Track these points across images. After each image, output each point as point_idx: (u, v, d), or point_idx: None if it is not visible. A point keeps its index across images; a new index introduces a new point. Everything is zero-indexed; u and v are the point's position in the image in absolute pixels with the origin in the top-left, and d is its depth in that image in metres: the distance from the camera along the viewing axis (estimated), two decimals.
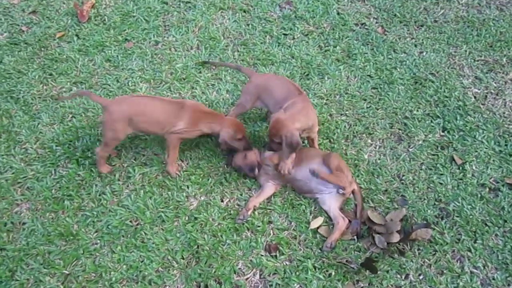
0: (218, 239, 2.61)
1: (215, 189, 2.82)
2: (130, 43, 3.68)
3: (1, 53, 3.57)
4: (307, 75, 3.46)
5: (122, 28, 3.78)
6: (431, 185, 2.84)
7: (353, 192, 2.70)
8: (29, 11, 3.94)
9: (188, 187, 2.82)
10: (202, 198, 2.78)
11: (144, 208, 2.71)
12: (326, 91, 3.35)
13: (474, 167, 2.91)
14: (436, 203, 2.76)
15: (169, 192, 2.79)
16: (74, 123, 3.13)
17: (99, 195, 2.78)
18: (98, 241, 2.60)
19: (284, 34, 3.76)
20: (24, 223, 2.67)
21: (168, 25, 3.84)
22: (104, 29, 3.78)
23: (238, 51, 3.63)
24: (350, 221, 2.64)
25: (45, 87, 3.37)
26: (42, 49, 3.63)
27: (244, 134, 2.78)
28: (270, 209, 2.73)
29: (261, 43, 3.68)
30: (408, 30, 3.78)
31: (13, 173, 2.86)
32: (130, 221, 2.68)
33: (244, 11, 3.94)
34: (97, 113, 3.18)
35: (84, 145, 3.00)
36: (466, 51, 3.61)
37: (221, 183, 2.84)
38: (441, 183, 2.84)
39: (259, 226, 2.65)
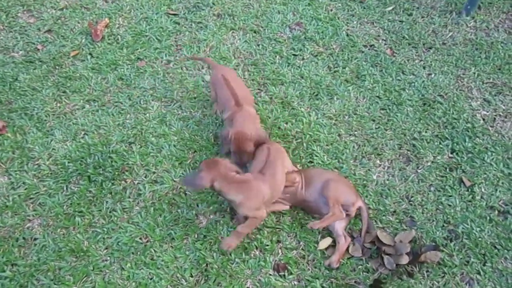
0: (227, 257, 2.62)
1: (224, 207, 2.84)
2: (143, 62, 3.75)
3: (17, 70, 3.65)
4: (316, 95, 3.50)
5: (135, 47, 3.86)
6: (440, 206, 2.84)
7: (360, 209, 2.71)
8: (45, 30, 4.03)
9: (198, 205, 2.85)
10: (212, 217, 2.81)
11: (154, 225, 2.74)
12: (335, 111, 3.39)
13: (483, 189, 2.92)
14: (445, 225, 2.76)
15: (179, 210, 2.82)
16: (86, 140, 3.18)
17: (110, 212, 2.81)
18: (108, 258, 2.62)
19: (293, 54, 3.81)
20: (35, 239, 2.70)
21: (180, 44, 3.91)
22: (117, 48, 3.86)
23: (248, 70, 3.69)
24: (353, 239, 2.65)
25: (58, 104, 3.44)
26: (57, 67, 3.70)
27: None
28: (278, 228, 2.75)
29: (271, 63, 3.74)
30: (416, 52, 3.83)
31: (25, 189, 2.91)
32: (140, 238, 2.70)
33: (255, 32, 4.01)
34: (108, 131, 3.24)
35: (96, 162, 3.04)
36: (474, 73, 3.64)
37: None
38: (450, 205, 2.85)
39: (267, 245, 2.66)
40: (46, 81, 3.59)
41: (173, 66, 3.74)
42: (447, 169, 3.04)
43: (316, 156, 3.10)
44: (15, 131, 3.23)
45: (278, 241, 2.70)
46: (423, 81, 3.57)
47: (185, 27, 4.07)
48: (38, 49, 3.86)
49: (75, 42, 3.92)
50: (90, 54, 3.81)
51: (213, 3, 4.28)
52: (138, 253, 2.64)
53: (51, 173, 3.00)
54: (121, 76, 3.63)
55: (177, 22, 4.11)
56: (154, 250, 2.64)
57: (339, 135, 3.25)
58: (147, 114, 3.37)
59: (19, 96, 3.47)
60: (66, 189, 2.91)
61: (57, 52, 3.82)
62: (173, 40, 3.96)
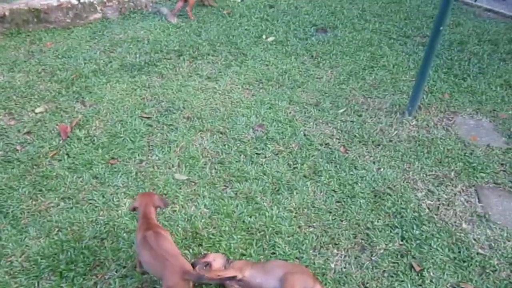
0: None
1: None
2: (115, 160, 4.02)
3: None
4: (278, 190, 3.81)
5: (110, 148, 4.16)
6: None
7: None
8: (24, 131, 4.32)
9: None
10: None
11: None
12: (295, 205, 3.68)
13: (431, 273, 3.17)
14: None
15: None
16: (59, 237, 3.32)
17: None
18: None
19: (256, 153, 4.19)
20: None
21: (152, 145, 4.24)
22: (93, 148, 4.15)
23: (215, 168, 4.00)
24: None
25: (34, 202, 3.61)
26: (34, 166, 3.93)
27: None
28: None
29: (236, 161, 4.08)
30: (367, 149, 4.27)
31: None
32: None
33: (221, 133, 4.41)
34: (82, 227, 3.40)
35: (68, 258, 3.16)
36: (418, 167, 4.07)
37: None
38: None
39: None
40: (23, 180, 3.79)
41: (145, 165, 4.03)
42: (399, 256, 3.30)
43: (278, 247, 3.33)
44: None
45: None
46: (373, 175, 3.96)
47: (157, 129, 4.44)
48: (17, 150, 4.11)
49: (53, 143, 4.20)
50: (67, 154, 4.08)
51: (183, 107, 4.72)
52: None
53: (23, 270, 3.09)
54: (96, 174, 3.88)
55: (149, 125, 4.48)
56: None
57: (299, 227, 3.51)
58: (119, 211, 3.57)
59: None
60: (38, 285, 2.99)
61: (35, 153, 4.07)
62: (146, 141, 4.29)
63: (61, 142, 4.23)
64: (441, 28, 4.10)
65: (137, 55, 5.66)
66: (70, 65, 5.42)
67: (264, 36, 6.14)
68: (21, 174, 3.86)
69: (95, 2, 6.47)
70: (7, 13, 6.01)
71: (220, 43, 5.97)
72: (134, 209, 3.01)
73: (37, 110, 4.63)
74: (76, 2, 6.35)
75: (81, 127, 4.42)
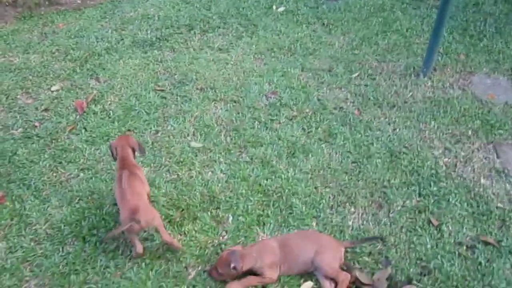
0: None
1: (211, 259, 3.02)
2: (131, 132, 4.08)
3: (16, 146, 3.95)
4: (293, 153, 3.82)
5: (126, 120, 4.21)
6: (412, 245, 3.06)
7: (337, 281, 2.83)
8: (42, 109, 4.40)
9: (186, 259, 3.02)
10: (200, 268, 2.98)
11: (145, 279, 2.89)
12: (311, 167, 3.69)
13: (450, 228, 3.16)
14: (418, 262, 2.96)
15: (169, 263, 2.99)
16: (81, 205, 3.40)
17: (104, 269, 2.97)
18: None
19: (271, 119, 4.19)
20: None
21: (166, 116, 4.28)
22: (109, 122, 4.21)
23: (230, 136, 4.03)
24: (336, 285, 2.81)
25: (54, 174, 3.70)
26: (53, 141, 4.01)
27: None
28: None
29: (251, 128, 4.09)
30: (381, 111, 4.23)
31: (23, 252, 3.08)
32: None
33: (235, 102, 4.42)
34: (102, 196, 3.47)
35: (90, 224, 3.24)
36: (434, 126, 4.03)
37: (217, 253, 3.05)
38: (421, 244, 3.07)
39: None
40: (43, 154, 3.88)
41: (161, 135, 4.07)
42: (416, 212, 3.29)
43: (295, 207, 3.35)
44: (14, 200, 3.45)
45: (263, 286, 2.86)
46: (389, 136, 3.94)
47: (171, 100, 4.48)
48: (36, 126, 4.19)
49: (70, 118, 4.27)
50: (84, 128, 4.15)
51: (196, 79, 4.74)
52: None
53: (47, 236, 3.18)
54: None
55: (163, 97, 4.51)
56: None
57: (315, 187, 3.52)
58: None
59: (18, 168, 3.73)
60: (62, 250, 3.08)
61: (54, 128, 4.15)
62: (161, 112, 4.33)
63: (77, 117, 4.30)
64: None
65: (148, 31, 5.67)
66: (82, 44, 5.46)
67: (274, 7, 6.07)
68: (41, 149, 3.94)
69: None
70: None
71: (230, 15, 5.93)
72: (112, 149, 3.17)
73: (53, 88, 4.70)
74: None
75: (97, 102, 4.48)
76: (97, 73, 4.91)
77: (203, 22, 5.84)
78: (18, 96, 4.59)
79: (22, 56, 5.25)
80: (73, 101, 4.49)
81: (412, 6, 6.03)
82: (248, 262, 2.79)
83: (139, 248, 2.95)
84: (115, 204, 3.28)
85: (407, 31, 5.48)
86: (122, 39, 5.54)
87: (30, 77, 4.87)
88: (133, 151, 3.22)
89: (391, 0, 6.20)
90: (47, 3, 6.25)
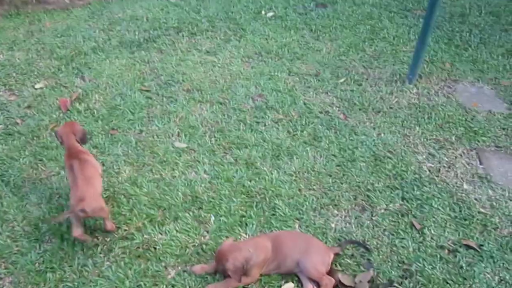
0: None
1: (192, 259, 2.98)
2: (115, 131, 4.02)
3: None
4: (278, 156, 3.80)
5: (109, 119, 4.17)
6: (394, 248, 3.05)
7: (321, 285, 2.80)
8: (25, 106, 4.33)
9: (166, 258, 2.97)
10: (180, 268, 2.93)
11: (123, 277, 2.83)
12: (295, 169, 3.67)
13: (432, 231, 3.16)
14: (400, 264, 2.95)
15: (148, 263, 2.94)
16: (60, 202, 3.34)
17: (81, 267, 2.90)
18: None
19: (256, 122, 4.17)
20: None
21: (151, 116, 4.24)
22: (93, 120, 4.15)
23: (215, 137, 4.00)
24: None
25: (34, 171, 3.63)
26: (35, 138, 3.94)
27: None
28: None
29: (236, 129, 4.07)
30: (367, 116, 4.25)
31: None
32: None
33: (221, 103, 4.40)
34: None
35: (69, 222, 3.16)
36: (419, 131, 4.05)
37: (197, 253, 3.01)
38: (403, 247, 3.05)
39: None
40: (23, 151, 3.81)
41: (145, 135, 4.03)
42: (399, 215, 3.29)
43: (278, 209, 3.32)
44: None
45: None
46: (374, 140, 3.94)
47: (156, 101, 4.44)
48: (18, 123, 4.12)
49: (53, 116, 4.21)
50: None
51: (183, 80, 4.72)
52: None
53: (24, 233, 3.11)
54: (96, 144, 3.89)
55: (149, 97, 4.48)
56: None
57: (299, 189, 3.50)
58: (120, 178, 3.58)
59: None
60: (39, 247, 3.01)
61: (36, 125, 4.08)
62: (145, 112, 4.29)
63: (61, 115, 4.24)
64: None
65: (136, 33, 5.65)
66: (69, 43, 5.42)
67: (263, 12, 6.10)
68: (22, 145, 3.87)
69: None
70: None
71: (219, 19, 5.94)
72: (58, 137, 3.21)
73: (37, 86, 4.64)
74: None
75: (81, 101, 4.42)
76: (82, 72, 4.86)
77: (191, 25, 5.83)
78: (1, 93, 4.52)
79: (7, 53, 5.18)
80: (57, 99, 4.43)
81: (399, 16, 6.11)
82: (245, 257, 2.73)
83: (75, 231, 2.93)
84: None
85: (394, 39, 5.53)
86: (109, 39, 5.50)
87: (14, 74, 4.81)
88: (81, 139, 3.25)
89: (379, 9, 6.27)
90: (34, 1, 6.20)
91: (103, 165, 3.68)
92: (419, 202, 3.38)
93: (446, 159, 3.77)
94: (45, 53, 5.21)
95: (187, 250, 3.03)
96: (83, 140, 3.26)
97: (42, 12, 6.15)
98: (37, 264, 2.91)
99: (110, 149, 3.84)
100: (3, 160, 3.71)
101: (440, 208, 3.33)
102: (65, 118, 4.17)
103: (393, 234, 3.15)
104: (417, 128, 4.10)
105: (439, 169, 3.68)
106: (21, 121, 4.15)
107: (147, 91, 4.57)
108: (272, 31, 5.68)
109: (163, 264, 2.94)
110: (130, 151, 3.84)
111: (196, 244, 3.07)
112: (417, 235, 3.14)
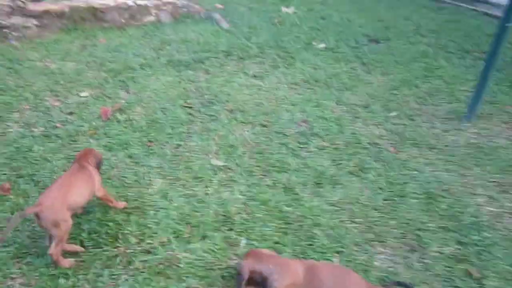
0: None
1: (216, 282, 2.69)
2: (152, 143, 3.89)
3: (33, 142, 3.81)
4: (319, 183, 3.52)
5: (148, 132, 4.05)
6: None
7: None
8: (67, 112, 4.30)
9: (188, 278, 2.70)
10: None
11: None
12: (338, 199, 3.37)
13: (493, 283, 2.74)
14: None
15: (168, 280, 2.68)
16: (87, 208, 3.17)
17: (96, 277, 2.67)
18: None
19: (299, 147, 3.93)
20: None
21: (191, 132, 4.09)
22: (131, 130, 4.05)
23: (254, 158, 3.78)
24: None
25: None
26: (71, 142, 3.86)
27: None
28: None
29: (277, 153, 3.84)
30: (419, 152, 3.92)
31: (15, 248, 2.83)
32: None
33: (263, 126, 4.21)
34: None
35: (91, 228, 2.98)
36: (478, 172, 3.67)
37: (223, 277, 2.72)
38: None
39: None
40: (58, 153, 3.72)
41: (182, 149, 3.86)
42: (454, 260, 2.89)
43: (317, 239, 3.01)
44: (18, 195, 3.26)
45: None
46: (426, 177, 3.60)
47: (198, 118, 4.31)
48: (57, 127, 4.07)
49: (93, 123, 4.14)
50: (105, 134, 4.00)
51: (227, 100, 4.58)
52: None
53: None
54: (131, 154, 3.75)
55: (190, 114, 4.36)
56: None
57: (341, 221, 3.18)
58: (150, 189, 3.39)
59: (30, 164, 3.57)
60: None
61: (74, 131, 4.01)
62: (185, 128, 4.15)
63: (101, 123, 4.16)
64: (506, 24, 3.78)
65: (185, 54, 5.64)
66: (119, 58, 5.47)
67: (314, 43, 5.99)
68: (57, 148, 3.79)
69: (149, 5, 6.60)
70: (66, 10, 6.22)
71: (269, 47, 5.87)
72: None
73: (82, 94, 4.64)
74: (132, 4, 6.49)
75: (123, 112, 4.35)
76: (128, 85, 4.84)
77: (241, 50, 5.78)
78: (46, 98, 4.53)
79: (58, 62, 5.27)
80: (99, 108, 4.38)
81: (456, 56, 5.83)
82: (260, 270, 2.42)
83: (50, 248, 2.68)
84: (122, 212, 3.04)
85: (450, 78, 5.24)
86: (158, 58, 5.51)
87: (62, 81, 4.85)
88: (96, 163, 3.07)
89: (435, 48, 6.02)
90: (92, 18, 6.37)
91: (135, 175, 3.52)
92: (477, 248, 2.97)
93: (509, 205, 3.36)
94: (94, 65, 5.25)
95: (212, 272, 2.75)
96: (98, 166, 3.10)
97: (98, 29, 6.31)
98: (51, 268, 2.71)
99: (145, 160, 3.69)
100: (37, 161, 3.62)
101: (502, 257, 2.91)
102: (104, 127, 4.09)
103: (446, 281, 2.75)
104: (476, 168, 3.72)
105: (502, 215, 3.27)
106: (61, 125, 4.10)
107: (190, 107, 4.46)
108: (322, 61, 5.53)
109: (184, 284, 2.67)
110: (164, 164, 3.67)
111: (223, 267, 2.79)
112: (475, 285, 2.73)
